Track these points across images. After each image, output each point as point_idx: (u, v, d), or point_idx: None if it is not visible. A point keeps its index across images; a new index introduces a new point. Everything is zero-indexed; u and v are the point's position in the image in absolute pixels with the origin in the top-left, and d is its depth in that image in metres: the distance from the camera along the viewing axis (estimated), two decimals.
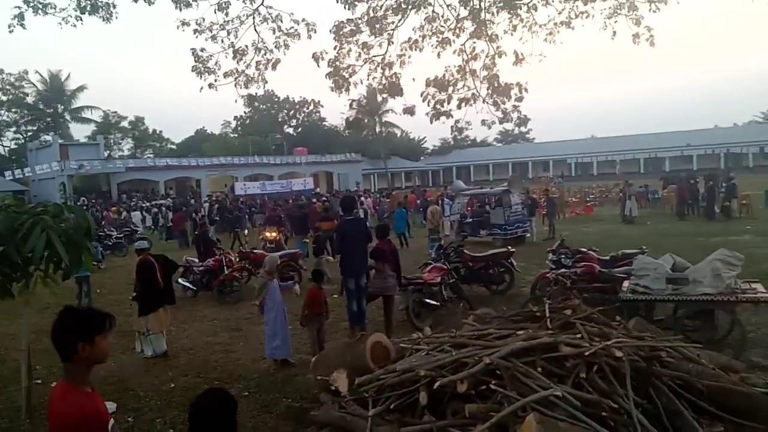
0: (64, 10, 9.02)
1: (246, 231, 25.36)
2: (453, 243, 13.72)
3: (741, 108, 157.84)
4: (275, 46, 9.97)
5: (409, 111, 10.68)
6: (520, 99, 9.83)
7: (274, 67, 10.08)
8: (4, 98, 60.91)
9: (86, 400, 2.58)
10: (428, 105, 10.11)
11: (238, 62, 10.00)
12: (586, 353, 4.34)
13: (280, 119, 79.05)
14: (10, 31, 8.87)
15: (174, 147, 76.92)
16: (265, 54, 10.04)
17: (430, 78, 10.06)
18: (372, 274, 9.13)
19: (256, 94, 12.37)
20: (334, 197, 32.86)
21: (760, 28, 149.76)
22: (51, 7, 8.91)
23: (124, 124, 72.11)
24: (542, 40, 10.18)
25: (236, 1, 9.76)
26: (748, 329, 7.79)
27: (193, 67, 9.89)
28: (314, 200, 29.56)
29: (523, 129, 67.89)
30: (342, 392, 5.26)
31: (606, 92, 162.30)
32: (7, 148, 64.47)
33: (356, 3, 9.57)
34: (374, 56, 10.18)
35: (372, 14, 9.79)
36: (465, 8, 9.76)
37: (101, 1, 9.13)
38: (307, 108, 78.99)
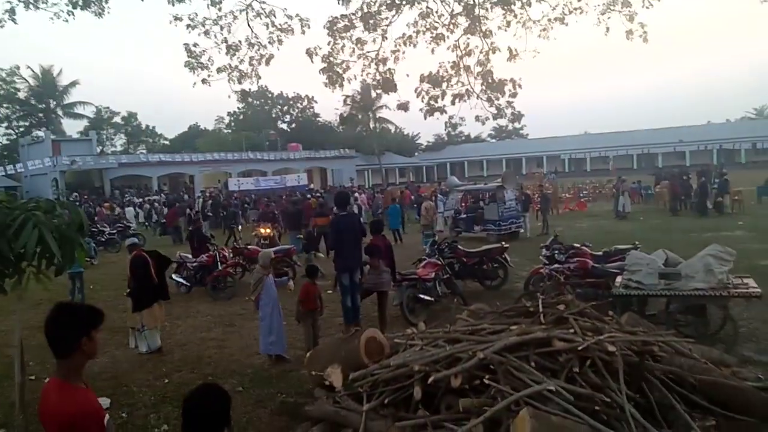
0: (55, 4, 8.98)
1: (239, 227, 25.26)
2: (447, 239, 13.75)
3: (734, 104, 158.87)
4: (269, 42, 9.97)
5: (403, 107, 10.71)
6: (513, 95, 9.88)
7: (267, 63, 10.07)
8: None
9: (84, 396, 2.57)
10: (422, 101, 10.15)
11: (231, 57, 10.00)
12: (579, 348, 4.36)
13: (273, 115, 78.72)
14: (1, 26, 8.81)
15: (167, 143, 76.58)
16: (258, 49, 10.03)
17: (424, 74, 10.09)
18: (366, 270, 9.14)
19: (249, 89, 12.35)
20: (328, 193, 32.82)
21: (753, 24, 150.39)
22: (42, 2, 8.87)
23: (117, 119, 71.74)
24: (536, 36, 10.24)
25: None
26: (739, 324, 7.85)
27: (186, 62, 9.87)
28: (308, 196, 29.51)
29: (516, 125, 67.57)
30: (336, 387, 5.27)
31: (599, 88, 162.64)
32: None
33: None
34: (368, 52, 10.19)
35: (366, 10, 9.79)
36: (459, 4, 9.79)
37: None
38: (301, 104, 78.70)
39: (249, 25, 9.80)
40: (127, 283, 9.18)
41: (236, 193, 42.38)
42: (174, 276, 13.40)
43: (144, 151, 68.94)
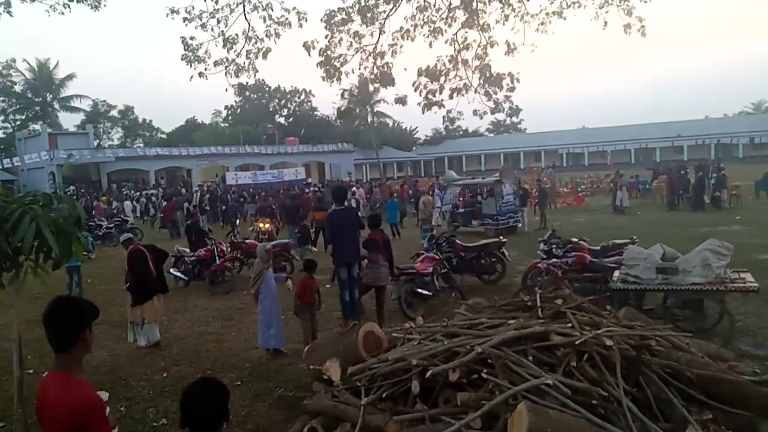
0: None
1: (238, 221, 25.25)
2: (445, 233, 13.75)
3: (731, 98, 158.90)
4: (266, 35, 9.92)
5: (401, 101, 10.70)
6: (511, 89, 9.86)
7: (264, 56, 10.02)
8: None
9: (87, 389, 2.57)
10: (420, 95, 10.12)
11: (228, 51, 9.95)
12: (577, 342, 4.37)
13: (271, 109, 78.59)
14: None
15: (164, 136, 76.43)
16: (255, 43, 9.98)
17: (422, 68, 10.06)
18: (365, 264, 9.14)
19: (246, 83, 12.32)
20: (326, 187, 32.79)
21: (751, 19, 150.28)
22: None
23: (114, 113, 71.52)
24: (534, 30, 10.20)
25: None
26: (736, 318, 7.87)
27: (183, 55, 9.82)
28: (306, 190, 29.47)
29: (514, 119, 68.06)
30: (335, 381, 5.27)
31: (597, 83, 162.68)
32: None
33: None
34: (366, 46, 10.15)
35: (363, 3, 9.75)
36: None
37: None
38: (299, 97, 78.61)
39: (246, 18, 9.75)
40: (124, 278, 9.17)
41: (234, 187, 42.33)
42: (172, 270, 13.40)
43: (141, 145, 68.82)
